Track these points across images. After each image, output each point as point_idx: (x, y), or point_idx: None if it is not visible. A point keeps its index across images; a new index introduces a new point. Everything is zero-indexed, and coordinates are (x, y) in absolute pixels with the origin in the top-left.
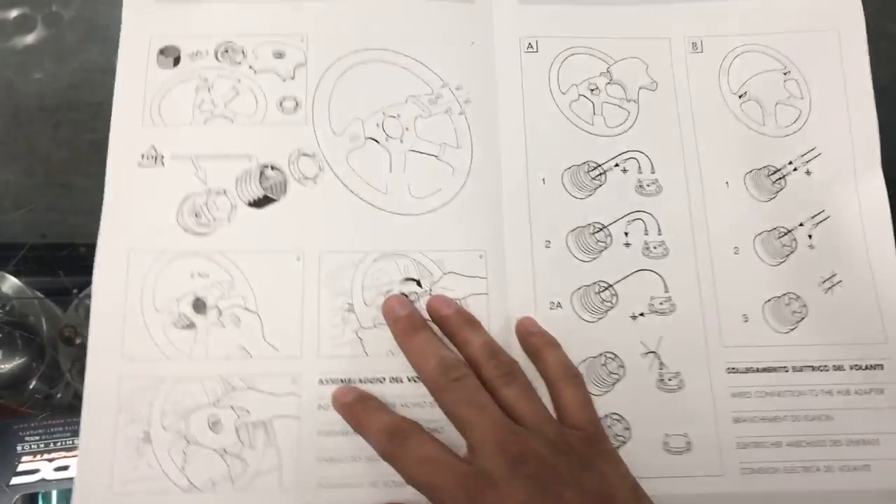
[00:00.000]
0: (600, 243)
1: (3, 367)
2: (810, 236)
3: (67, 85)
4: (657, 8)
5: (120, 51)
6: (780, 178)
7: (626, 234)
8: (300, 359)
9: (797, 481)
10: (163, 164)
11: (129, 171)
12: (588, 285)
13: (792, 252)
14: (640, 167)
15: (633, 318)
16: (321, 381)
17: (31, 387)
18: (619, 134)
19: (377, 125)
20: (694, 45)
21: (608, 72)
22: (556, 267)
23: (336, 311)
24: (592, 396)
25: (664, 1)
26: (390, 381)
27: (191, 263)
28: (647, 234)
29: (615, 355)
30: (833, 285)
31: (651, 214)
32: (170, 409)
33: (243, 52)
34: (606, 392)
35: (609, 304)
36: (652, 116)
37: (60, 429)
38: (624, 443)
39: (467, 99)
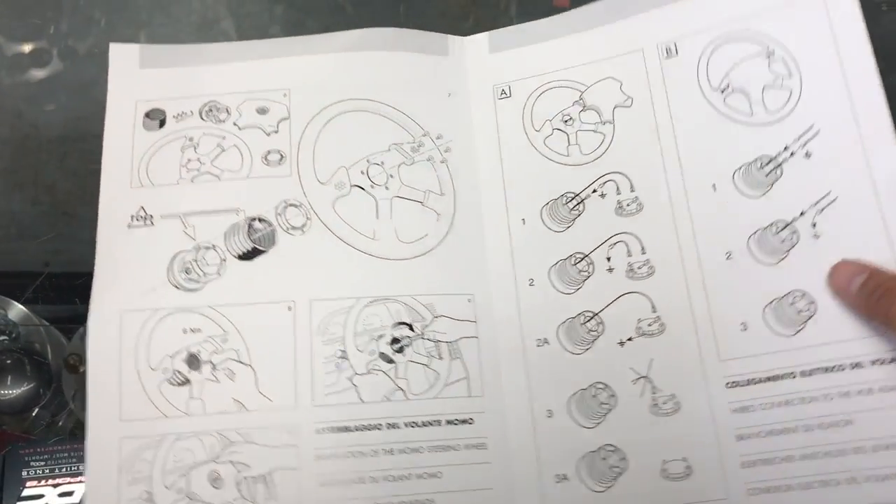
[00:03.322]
0: (582, 273)
1: (11, 392)
2: (814, 224)
3: (76, 116)
4: (626, 22)
5: (107, 116)
6: (774, 168)
7: (609, 258)
8: (295, 409)
9: (815, 498)
10: (152, 223)
11: (119, 233)
12: (573, 317)
13: (793, 246)
14: (618, 188)
15: (621, 344)
16: (318, 431)
17: (34, 414)
18: (596, 159)
19: (362, 172)
20: (668, 50)
21: (581, 99)
22: (540, 304)
23: (329, 359)
24: (583, 429)
25: (633, 12)
26: (387, 428)
27: (183, 319)
28: (630, 256)
29: (605, 385)
30: None
31: (633, 234)
32: (171, 468)
33: (227, 111)
34: (599, 423)
35: (595, 334)
36: (629, 134)
37: (66, 455)
38: (620, 474)
39: (447, 147)
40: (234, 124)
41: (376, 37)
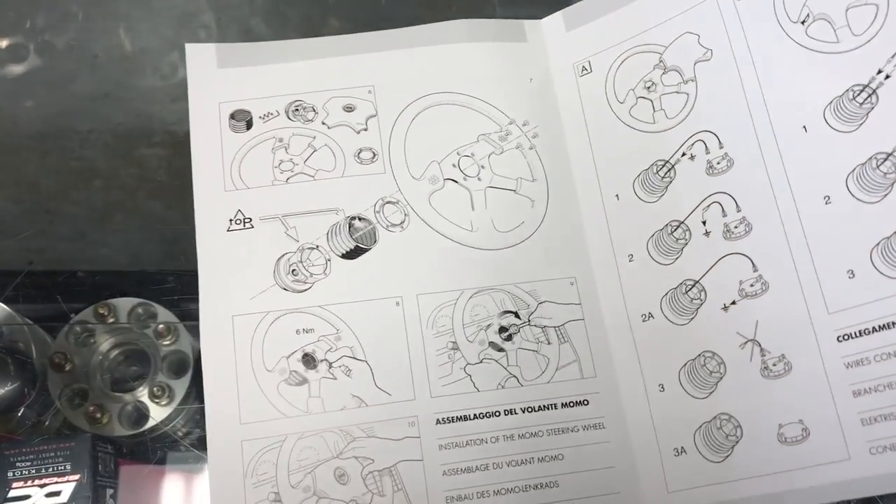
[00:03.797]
0: (680, 241)
1: None
2: None
3: (56, 112)
4: None
5: (191, 119)
6: (869, 96)
7: (704, 222)
8: (414, 401)
9: None
10: (252, 226)
11: (218, 237)
12: (675, 287)
13: None
14: (707, 148)
15: (725, 308)
16: (438, 421)
17: (20, 414)
18: (682, 121)
19: (453, 165)
20: None
21: (661, 62)
22: (641, 278)
23: (441, 351)
24: (696, 400)
25: None
26: (505, 414)
27: (295, 320)
28: (725, 216)
29: (713, 353)
30: None
31: (726, 193)
32: (295, 467)
33: (314, 109)
34: (711, 393)
35: (699, 302)
36: (712, 88)
37: (52, 454)
38: (737, 442)
39: (535, 133)
40: (323, 123)
41: (455, 29)
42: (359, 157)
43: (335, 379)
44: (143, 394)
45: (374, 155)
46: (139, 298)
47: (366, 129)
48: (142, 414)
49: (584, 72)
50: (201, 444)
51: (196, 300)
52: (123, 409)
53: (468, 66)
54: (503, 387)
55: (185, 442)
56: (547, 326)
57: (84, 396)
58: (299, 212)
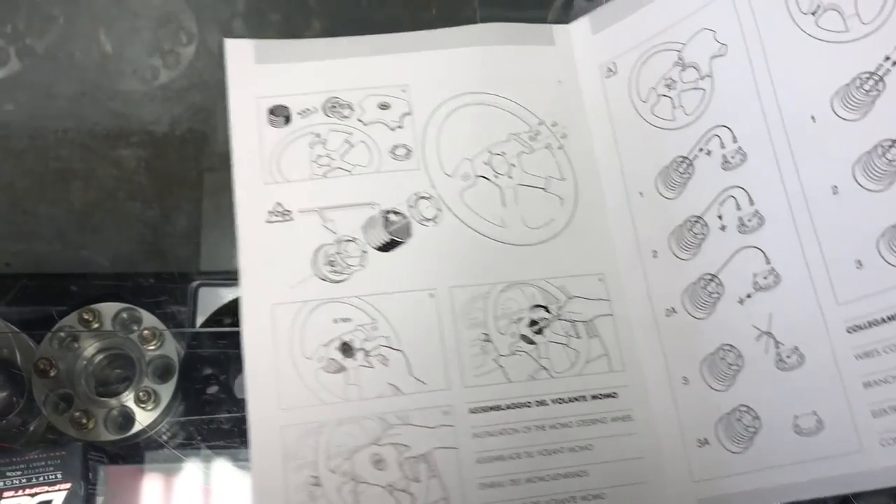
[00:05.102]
0: (698, 236)
1: None
2: None
3: (31, 115)
4: None
5: (230, 113)
6: (876, 83)
7: (720, 216)
8: (448, 390)
9: None
10: (291, 218)
11: (259, 228)
12: (694, 282)
13: None
14: (722, 142)
15: (741, 302)
16: (471, 410)
17: (4, 421)
18: (699, 117)
19: (485, 163)
20: None
21: (680, 59)
22: (664, 274)
23: (474, 342)
24: (717, 392)
25: None
26: (536, 405)
27: (332, 310)
28: (739, 210)
29: (731, 346)
30: None
31: (740, 187)
32: (334, 452)
33: (350, 107)
34: (730, 386)
35: (717, 296)
36: (726, 83)
37: (42, 463)
38: (755, 433)
39: (564, 134)
40: (359, 120)
41: (488, 32)
42: (394, 154)
43: (372, 367)
44: (128, 398)
45: (409, 151)
46: (124, 303)
47: (400, 127)
48: (127, 419)
49: (610, 73)
50: (187, 447)
51: (177, 302)
52: (109, 414)
53: (499, 68)
54: (534, 378)
55: (171, 445)
56: (576, 321)
57: (69, 402)
58: (336, 205)
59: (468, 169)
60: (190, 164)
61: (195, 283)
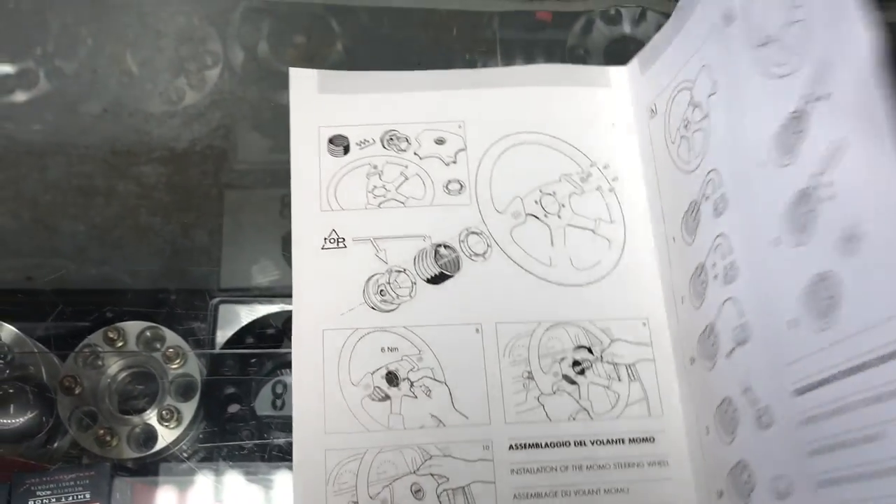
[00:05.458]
0: (703, 284)
1: (15, 422)
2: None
3: (56, 130)
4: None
5: (292, 140)
6: (801, 124)
7: (714, 264)
8: (489, 425)
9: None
10: (345, 245)
11: (313, 254)
12: (702, 332)
13: (818, 210)
14: (714, 186)
15: (728, 355)
16: (511, 447)
17: (34, 440)
18: (703, 159)
19: (535, 202)
20: (726, 17)
21: (692, 98)
22: (687, 322)
23: (517, 379)
24: (726, 445)
25: None
26: (575, 445)
27: (380, 338)
28: (723, 258)
29: (730, 399)
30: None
31: (723, 234)
32: (374, 479)
33: (407, 140)
34: (733, 440)
35: (715, 347)
36: (716, 123)
37: (72, 483)
38: (751, 490)
39: (615, 177)
40: (415, 154)
41: (545, 73)
42: (447, 188)
43: (416, 398)
44: (151, 416)
45: (462, 187)
46: (147, 322)
47: (455, 162)
48: (150, 436)
49: (652, 114)
50: (209, 464)
51: (197, 319)
52: (132, 432)
53: (555, 109)
54: (574, 419)
55: (193, 462)
56: (618, 363)
57: (93, 419)
58: (389, 235)
59: (519, 207)
60: (210, 180)
61: (215, 301)
